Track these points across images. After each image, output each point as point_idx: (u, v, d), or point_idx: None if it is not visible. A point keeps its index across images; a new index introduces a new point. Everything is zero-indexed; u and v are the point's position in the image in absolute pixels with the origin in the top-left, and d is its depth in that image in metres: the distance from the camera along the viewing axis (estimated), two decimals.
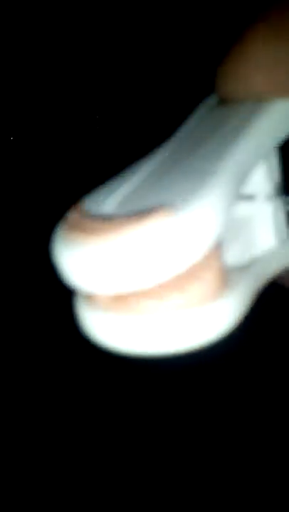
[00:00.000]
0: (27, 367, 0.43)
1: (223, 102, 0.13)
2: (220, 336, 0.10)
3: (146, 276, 0.09)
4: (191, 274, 0.09)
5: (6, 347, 0.43)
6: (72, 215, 0.11)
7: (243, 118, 0.11)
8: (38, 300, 0.43)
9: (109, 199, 0.11)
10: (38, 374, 0.43)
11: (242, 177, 0.10)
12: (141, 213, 0.09)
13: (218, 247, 0.10)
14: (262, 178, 0.12)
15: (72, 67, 0.42)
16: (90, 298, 0.11)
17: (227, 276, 0.10)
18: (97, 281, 0.09)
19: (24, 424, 0.42)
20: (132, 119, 0.42)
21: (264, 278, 0.11)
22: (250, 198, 0.11)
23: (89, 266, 0.09)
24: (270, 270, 0.11)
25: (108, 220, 0.10)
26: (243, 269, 0.11)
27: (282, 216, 0.12)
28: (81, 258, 0.10)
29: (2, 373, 0.43)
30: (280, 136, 0.12)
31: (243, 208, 0.12)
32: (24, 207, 0.43)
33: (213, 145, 0.11)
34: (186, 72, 0.40)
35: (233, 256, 0.11)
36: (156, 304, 0.10)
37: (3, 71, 0.42)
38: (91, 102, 0.43)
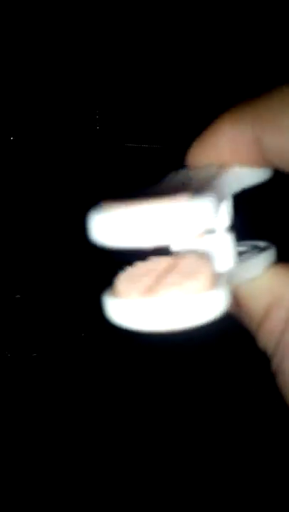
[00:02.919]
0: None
1: (190, 168, 0.18)
2: (215, 317, 0.14)
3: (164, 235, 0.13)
4: (192, 275, 0.14)
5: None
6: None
7: (212, 173, 0.17)
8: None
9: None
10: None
11: (222, 198, 0.16)
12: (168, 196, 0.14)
13: (208, 258, 0.16)
14: (222, 216, 0.17)
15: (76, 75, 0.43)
16: (121, 292, 0.15)
17: (215, 278, 0.15)
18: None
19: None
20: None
21: (233, 285, 0.16)
22: (212, 231, 0.16)
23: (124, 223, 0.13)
24: (234, 281, 0.16)
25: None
26: (222, 275, 0.15)
27: (233, 246, 0.17)
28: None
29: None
30: (235, 188, 0.17)
31: (208, 238, 0.17)
32: (23, 206, 0.43)
33: (197, 182, 0.16)
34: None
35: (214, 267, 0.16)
36: (173, 292, 0.14)
37: (4, 72, 0.42)
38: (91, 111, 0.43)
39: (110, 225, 0.13)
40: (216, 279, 0.14)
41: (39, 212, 0.43)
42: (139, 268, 0.15)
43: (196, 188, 0.15)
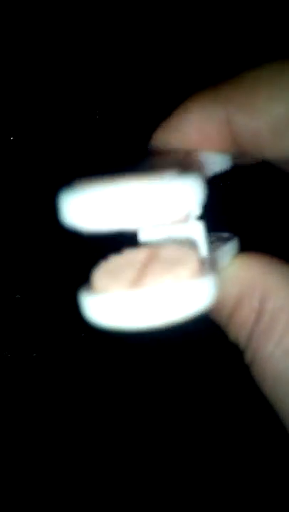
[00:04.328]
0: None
1: (153, 153, 0.17)
2: (205, 307, 0.13)
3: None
4: (179, 263, 0.13)
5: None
6: None
7: (178, 159, 0.16)
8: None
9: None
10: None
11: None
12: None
13: (189, 245, 0.14)
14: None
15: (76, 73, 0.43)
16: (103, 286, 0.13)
17: (202, 265, 0.14)
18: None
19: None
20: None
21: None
22: (186, 218, 0.15)
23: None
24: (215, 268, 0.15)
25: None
26: (205, 262, 0.14)
27: (205, 235, 0.16)
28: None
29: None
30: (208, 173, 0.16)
31: (179, 227, 0.15)
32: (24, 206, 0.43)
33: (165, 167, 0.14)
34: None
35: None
36: (163, 281, 0.12)
37: (4, 72, 0.42)
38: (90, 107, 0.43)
39: (90, 205, 0.12)
40: (202, 265, 0.13)
41: (39, 212, 0.43)
42: (115, 261, 0.14)
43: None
